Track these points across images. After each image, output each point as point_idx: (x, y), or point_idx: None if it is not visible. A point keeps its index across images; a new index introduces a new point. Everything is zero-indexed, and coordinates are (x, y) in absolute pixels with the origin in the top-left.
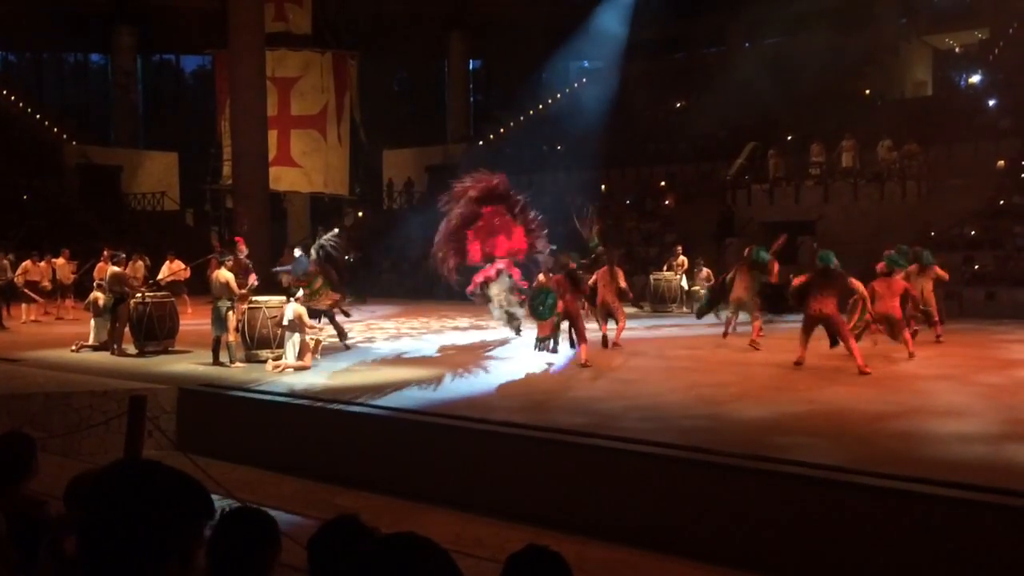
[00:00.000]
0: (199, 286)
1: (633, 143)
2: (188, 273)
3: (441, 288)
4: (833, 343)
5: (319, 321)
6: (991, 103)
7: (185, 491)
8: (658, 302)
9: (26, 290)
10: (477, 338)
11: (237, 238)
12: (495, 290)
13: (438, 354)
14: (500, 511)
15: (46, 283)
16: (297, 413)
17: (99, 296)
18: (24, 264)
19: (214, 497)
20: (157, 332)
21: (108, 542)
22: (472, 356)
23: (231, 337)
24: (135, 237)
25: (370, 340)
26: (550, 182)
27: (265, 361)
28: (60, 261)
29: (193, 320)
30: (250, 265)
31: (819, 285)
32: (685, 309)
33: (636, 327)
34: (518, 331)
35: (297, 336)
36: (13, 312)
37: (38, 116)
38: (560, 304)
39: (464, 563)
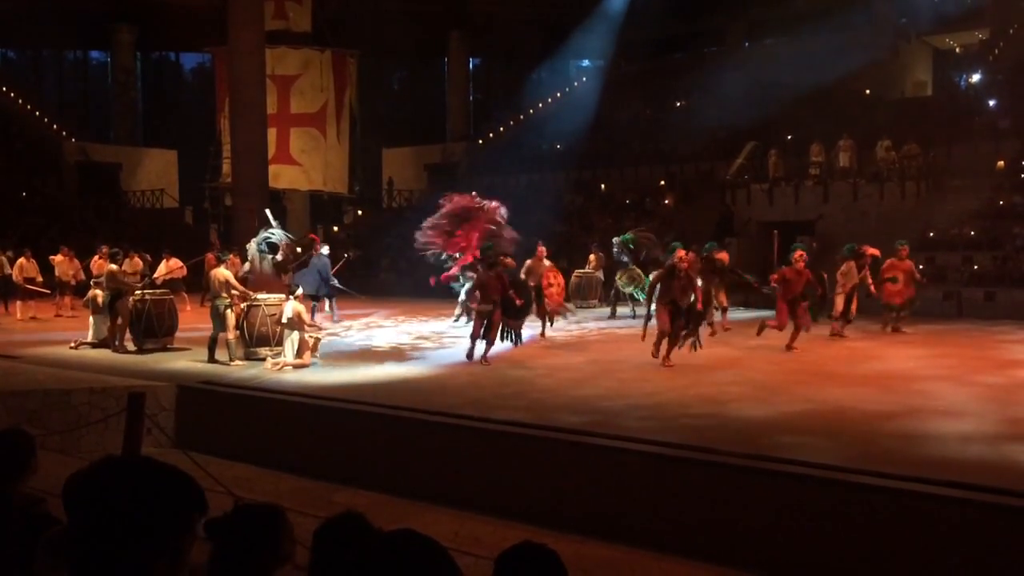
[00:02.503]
0: (196, 284)
1: (632, 142)
2: (185, 271)
3: (440, 287)
4: None
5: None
6: (991, 103)
7: (176, 486)
8: None
9: (29, 286)
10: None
11: (313, 235)
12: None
13: (437, 352)
14: (499, 509)
15: (40, 279)
16: (296, 411)
17: (98, 293)
18: (19, 262)
19: (214, 495)
20: (156, 329)
21: (98, 538)
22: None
23: (230, 335)
24: (134, 235)
25: (369, 338)
26: (550, 181)
27: (264, 359)
28: (59, 258)
29: (193, 318)
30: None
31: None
32: None
33: (634, 325)
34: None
35: (296, 334)
36: (10, 309)
37: (37, 113)
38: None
39: (462, 561)
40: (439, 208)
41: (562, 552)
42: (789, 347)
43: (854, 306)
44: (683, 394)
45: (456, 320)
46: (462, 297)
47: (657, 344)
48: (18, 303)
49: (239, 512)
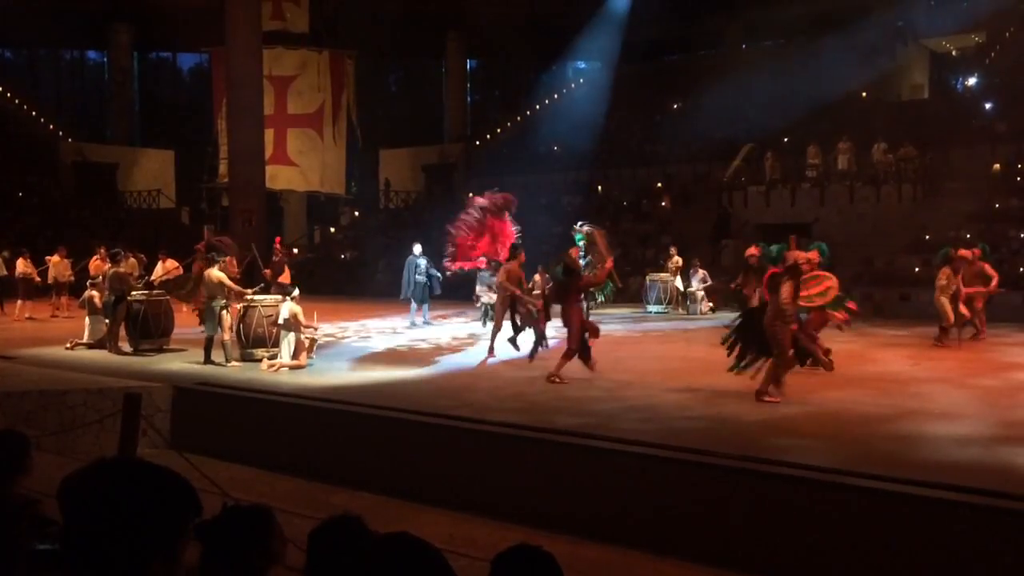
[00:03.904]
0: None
1: (629, 144)
2: (182, 271)
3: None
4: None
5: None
6: (987, 106)
7: (170, 488)
8: (655, 303)
9: (33, 278)
10: (473, 338)
11: (277, 237)
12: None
13: (433, 354)
14: (495, 511)
15: (38, 279)
16: (292, 412)
17: (94, 294)
18: (19, 261)
19: (209, 496)
20: (152, 330)
21: (92, 540)
22: (467, 356)
23: (226, 336)
24: (130, 235)
25: (365, 339)
26: (547, 183)
27: (260, 360)
28: (55, 259)
29: (189, 319)
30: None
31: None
32: (680, 310)
33: (632, 328)
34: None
35: (292, 335)
36: (7, 308)
37: (34, 113)
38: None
39: (458, 563)
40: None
41: (558, 554)
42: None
43: (962, 311)
44: (679, 396)
45: (485, 325)
46: (485, 300)
47: (779, 379)
48: (19, 302)
49: (228, 514)
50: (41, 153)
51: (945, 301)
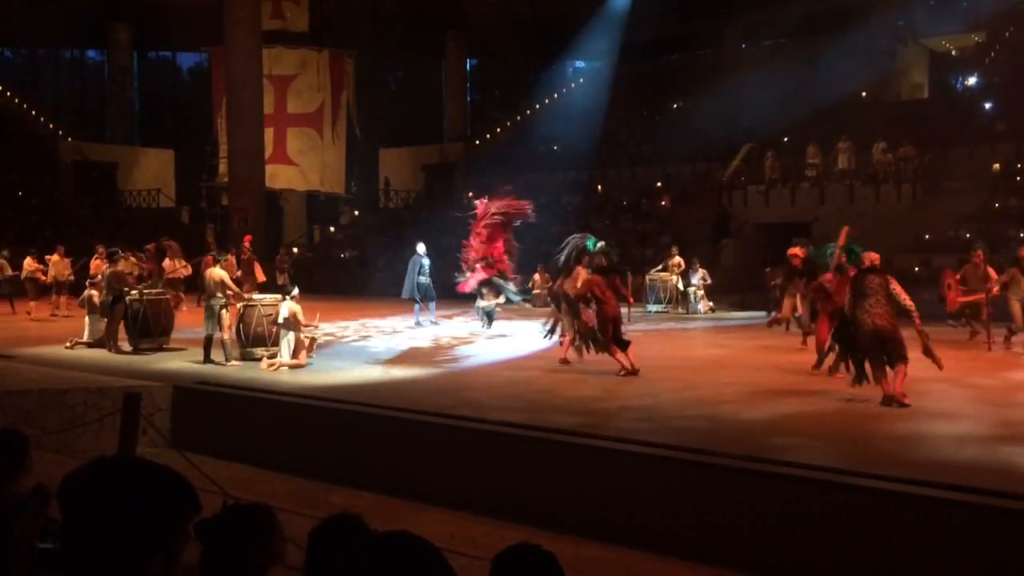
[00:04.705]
0: (194, 285)
1: (629, 144)
2: (189, 270)
3: (437, 287)
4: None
5: None
6: (987, 106)
7: (170, 487)
8: (655, 302)
9: (41, 278)
10: (473, 338)
11: (248, 236)
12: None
13: (434, 353)
14: (494, 510)
15: (44, 279)
16: (292, 411)
17: (93, 293)
18: (27, 260)
19: (209, 495)
20: (152, 330)
21: (92, 538)
22: (468, 355)
23: (226, 335)
24: (130, 234)
25: (365, 339)
26: (546, 182)
27: (260, 359)
28: (55, 258)
29: (189, 319)
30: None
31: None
32: (680, 309)
33: (632, 328)
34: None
35: (292, 334)
36: (15, 308)
37: (33, 112)
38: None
39: (458, 562)
40: (474, 210)
41: (558, 553)
42: (826, 368)
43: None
44: (678, 396)
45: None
46: (481, 304)
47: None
48: (31, 303)
49: (229, 512)
50: (41, 152)
51: (1016, 304)
